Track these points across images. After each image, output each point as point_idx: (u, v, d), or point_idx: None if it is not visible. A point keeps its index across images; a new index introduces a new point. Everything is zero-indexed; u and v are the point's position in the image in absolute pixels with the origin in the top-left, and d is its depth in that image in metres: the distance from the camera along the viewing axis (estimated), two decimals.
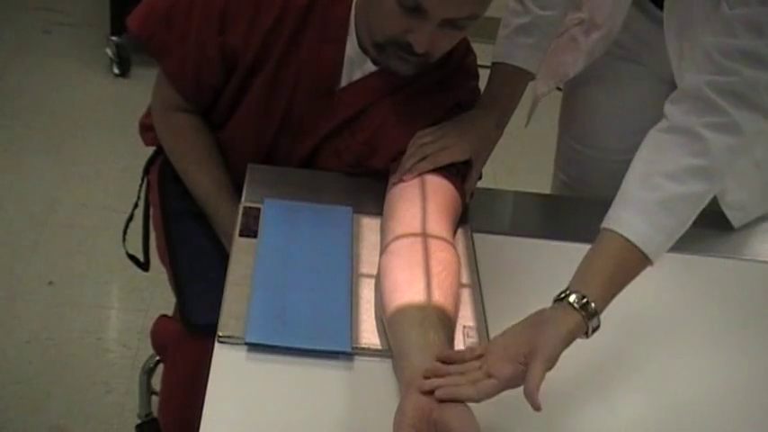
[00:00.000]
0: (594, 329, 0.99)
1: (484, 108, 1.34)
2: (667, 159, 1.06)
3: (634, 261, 1.03)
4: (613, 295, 1.01)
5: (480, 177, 1.35)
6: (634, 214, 1.03)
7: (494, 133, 1.34)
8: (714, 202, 1.34)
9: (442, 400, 0.93)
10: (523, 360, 0.94)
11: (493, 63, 1.38)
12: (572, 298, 0.98)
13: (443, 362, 0.99)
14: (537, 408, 0.91)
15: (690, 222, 1.06)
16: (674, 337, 1.20)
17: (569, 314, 0.98)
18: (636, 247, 1.02)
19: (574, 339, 0.98)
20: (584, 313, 0.97)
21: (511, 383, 0.95)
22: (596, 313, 0.98)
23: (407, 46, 1.16)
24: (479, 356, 0.98)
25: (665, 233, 1.04)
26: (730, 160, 1.06)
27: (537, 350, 0.94)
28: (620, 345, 1.16)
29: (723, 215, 1.39)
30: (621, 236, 1.02)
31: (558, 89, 1.63)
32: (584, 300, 0.98)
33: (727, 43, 1.06)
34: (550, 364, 0.94)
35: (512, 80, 1.37)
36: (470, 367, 0.97)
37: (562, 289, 1.00)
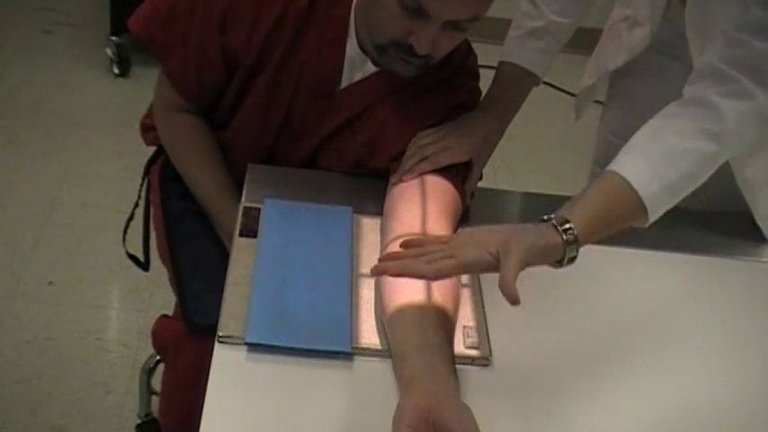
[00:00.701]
0: (571, 260, 0.99)
1: (486, 109, 1.34)
2: (679, 122, 1.07)
3: (626, 201, 1.03)
4: (598, 228, 1.02)
5: (481, 178, 1.35)
6: (635, 158, 1.05)
7: (495, 135, 1.34)
8: (727, 204, 1.34)
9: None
10: (494, 251, 0.95)
11: (500, 62, 1.38)
12: (555, 220, 0.99)
13: (407, 245, 1.00)
14: (514, 301, 0.90)
15: (693, 180, 1.06)
16: (679, 336, 1.19)
17: (550, 232, 0.98)
18: (630, 185, 1.03)
19: (548, 258, 0.98)
20: (564, 237, 0.98)
21: (471, 268, 0.96)
22: (576, 240, 0.99)
23: (409, 48, 1.16)
24: (445, 242, 0.99)
25: (662, 181, 1.04)
26: (740, 123, 1.07)
27: (511, 248, 0.94)
28: (623, 342, 1.16)
29: (729, 216, 1.39)
30: (618, 174, 1.04)
31: (570, 94, 1.63)
32: (567, 224, 0.99)
33: (739, 18, 1.08)
34: (523, 265, 0.94)
35: (517, 82, 1.37)
36: (432, 249, 0.98)
37: (561, 285, 1.01)
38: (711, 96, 1.07)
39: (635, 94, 1.53)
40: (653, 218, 1.05)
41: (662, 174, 1.04)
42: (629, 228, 1.07)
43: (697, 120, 1.07)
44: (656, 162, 1.04)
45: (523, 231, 0.98)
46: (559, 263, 1.00)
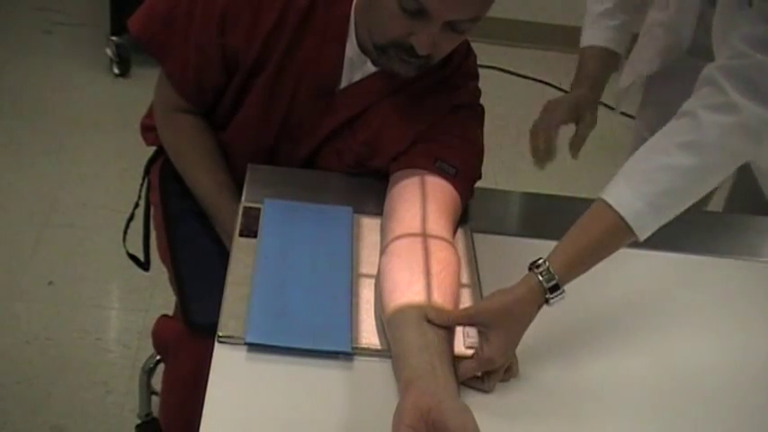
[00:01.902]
0: (552, 289, 1.03)
1: (579, 84, 1.41)
2: (665, 138, 1.10)
3: (608, 222, 1.05)
4: (578, 257, 1.05)
5: (480, 178, 1.35)
6: (619, 182, 1.07)
7: (587, 102, 1.43)
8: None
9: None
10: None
11: (580, 49, 1.43)
12: (534, 266, 1.05)
13: None
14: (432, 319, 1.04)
15: (680, 195, 1.07)
16: (679, 335, 1.20)
17: (527, 277, 1.04)
18: (610, 207, 1.05)
19: (521, 298, 1.03)
20: (534, 269, 1.04)
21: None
22: (545, 266, 1.03)
23: (410, 48, 1.16)
24: None
25: (644, 200, 1.05)
26: (721, 137, 1.07)
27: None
28: (621, 341, 1.16)
29: (729, 216, 1.39)
30: (602, 200, 1.06)
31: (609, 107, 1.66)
32: (542, 261, 1.04)
33: (744, 32, 1.10)
34: (472, 320, 1.05)
35: (599, 60, 1.43)
36: None
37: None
38: (698, 110, 1.08)
39: (671, 94, 1.54)
40: (643, 235, 1.06)
41: (642, 192, 1.05)
42: None
43: (680, 133, 1.09)
44: (636, 182, 1.06)
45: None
46: (546, 299, 1.04)
